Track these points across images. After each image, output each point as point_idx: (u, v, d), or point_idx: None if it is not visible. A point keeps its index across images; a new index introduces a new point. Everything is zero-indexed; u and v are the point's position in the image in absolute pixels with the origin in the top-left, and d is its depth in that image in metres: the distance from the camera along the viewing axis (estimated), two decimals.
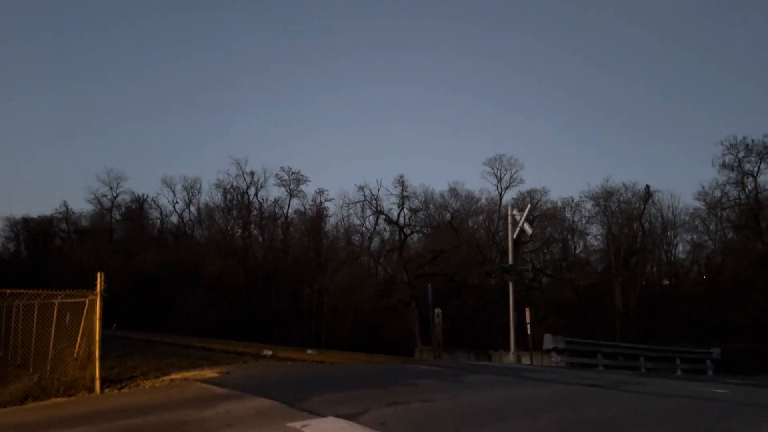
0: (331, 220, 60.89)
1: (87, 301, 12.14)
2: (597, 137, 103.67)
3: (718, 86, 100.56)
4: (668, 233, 54.23)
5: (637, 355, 26.74)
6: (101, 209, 65.75)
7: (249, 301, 51.75)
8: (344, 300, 46.86)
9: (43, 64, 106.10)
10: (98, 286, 11.88)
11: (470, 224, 57.59)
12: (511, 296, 27.99)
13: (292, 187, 59.26)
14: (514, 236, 30.04)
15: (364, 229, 58.92)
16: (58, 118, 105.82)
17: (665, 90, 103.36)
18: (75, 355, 12.30)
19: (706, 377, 24.31)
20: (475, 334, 41.92)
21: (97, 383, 11.53)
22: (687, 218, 53.24)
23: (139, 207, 66.26)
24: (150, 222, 67.94)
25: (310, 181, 64.05)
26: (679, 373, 26.30)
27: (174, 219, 66.73)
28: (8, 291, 12.05)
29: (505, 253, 32.68)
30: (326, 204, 60.04)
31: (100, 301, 11.82)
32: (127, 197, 65.97)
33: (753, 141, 47.70)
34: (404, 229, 54.08)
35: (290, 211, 60.66)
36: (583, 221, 56.31)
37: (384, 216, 55.70)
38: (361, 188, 54.66)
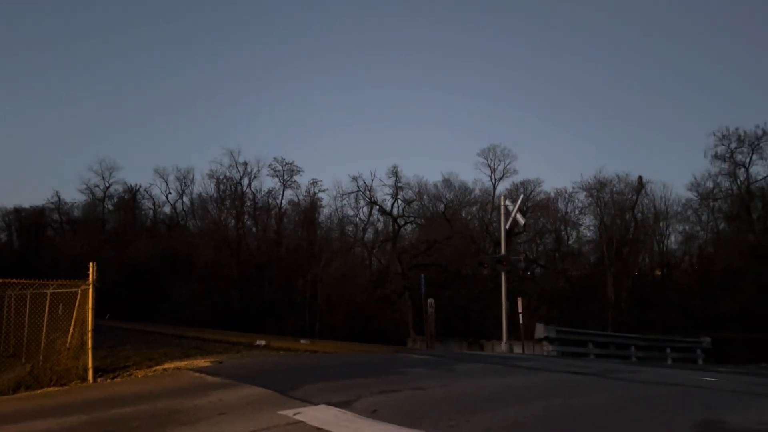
0: (325, 211, 60.95)
1: (79, 291, 12.15)
2: (590, 128, 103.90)
3: (711, 77, 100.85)
4: (660, 224, 54.51)
5: (628, 344, 26.93)
6: (93, 199, 65.51)
7: (242, 291, 51.74)
8: (338, 290, 46.94)
9: (36, 56, 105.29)
10: (90, 276, 11.89)
11: (464, 215, 57.71)
12: (504, 286, 28.11)
13: (285, 177, 59.19)
14: (507, 227, 30.14)
15: (357, 219, 59.02)
16: (51, 108, 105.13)
17: (658, 81, 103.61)
18: (67, 344, 12.32)
19: (696, 366, 24.52)
20: (468, 324, 42.09)
21: (90, 373, 11.56)
22: (679, 209, 53.56)
23: (131, 197, 66.02)
24: (143, 212, 67.78)
25: (303, 171, 64.12)
26: (669, 362, 26.50)
27: (167, 209, 66.62)
28: (0, 281, 12.04)
29: (499, 244, 32.77)
30: (320, 195, 60.04)
31: (93, 291, 11.83)
32: (120, 187, 65.81)
33: (745, 132, 47.99)
34: (398, 220, 54.16)
35: (284, 201, 60.64)
36: (576, 212, 56.57)
37: (378, 207, 55.78)
38: (354, 179, 54.69)
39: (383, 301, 47.60)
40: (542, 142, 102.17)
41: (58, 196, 65.95)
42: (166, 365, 12.74)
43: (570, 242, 57.83)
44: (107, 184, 64.89)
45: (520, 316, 25.97)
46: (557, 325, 26.22)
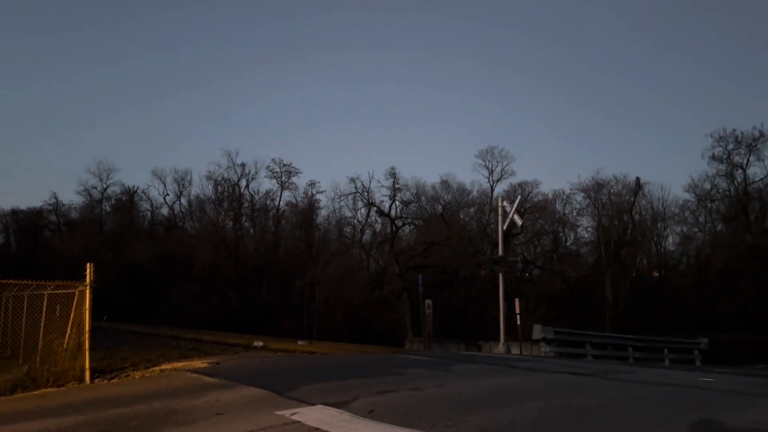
0: (323, 212, 60.89)
1: (77, 293, 12.14)
2: (588, 130, 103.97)
3: (708, 79, 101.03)
4: (658, 225, 54.53)
5: (626, 345, 26.99)
6: (91, 201, 65.37)
7: (240, 293, 51.69)
8: (336, 292, 46.91)
9: (33, 55, 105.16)
10: (88, 277, 11.88)
11: (462, 216, 57.73)
12: (501, 287, 28.14)
13: (283, 179, 59.12)
14: (505, 228, 30.18)
15: (355, 221, 58.98)
16: (48, 109, 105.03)
17: (655, 83, 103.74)
18: (65, 346, 12.30)
19: (694, 367, 24.57)
20: (466, 325, 42.10)
21: (87, 374, 11.55)
22: (677, 210, 53.59)
23: (129, 199, 65.94)
24: (140, 214, 67.66)
25: (301, 173, 64.04)
26: (667, 363, 26.56)
27: (164, 211, 66.51)
28: None
29: (496, 245, 32.80)
30: (318, 196, 59.98)
31: (90, 292, 11.82)
32: (118, 189, 65.63)
33: (742, 133, 48.02)
34: (396, 221, 54.15)
35: (282, 203, 60.57)
36: (574, 213, 56.56)
37: (375, 208, 55.74)
38: (352, 180, 54.62)
39: (381, 303, 47.59)
40: (540, 144, 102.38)
41: (56, 198, 65.88)
42: (164, 366, 12.74)
43: (568, 243, 57.88)
44: (105, 186, 64.84)
45: (518, 317, 26.01)
46: (555, 326, 26.27)
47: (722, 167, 49.44)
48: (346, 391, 8.88)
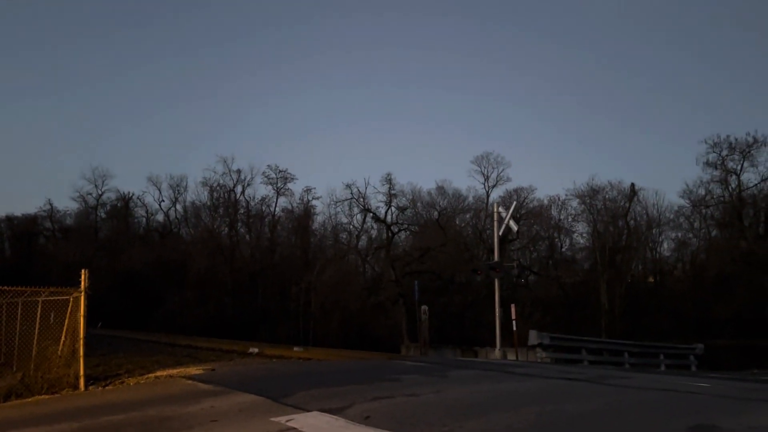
0: (319, 219, 60.91)
1: (71, 299, 12.08)
2: (583, 136, 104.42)
3: (703, 85, 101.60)
4: (653, 231, 54.69)
5: (622, 350, 27.01)
6: (86, 207, 65.23)
7: (235, 299, 51.58)
8: (332, 298, 46.87)
9: (29, 63, 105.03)
10: (83, 283, 11.83)
11: (457, 222, 57.81)
12: (497, 293, 28.15)
13: (279, 185, 59.15)
14: (501, 233, 30.22)
15: (351, 227, 59.00)
16: (43, 115, 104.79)
17: (650, 89, 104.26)
18: (59, 352, 12.23)
19: (689, 372, 24.57)
20: (462, 331, 42.09)
21: (81, 380, 11.49)
22: (672, 216, 53.77)
23: (124, 205, 65.80)
24: (136, 220, 67.55)
25: (297, 179, 63.92)
26: (662, 368, 26.56)
27: (160, 217, 66.42)
28: None
29: (492, 251, 32.84)
30: (313, 202, 60.04)
31: (85, 299, 11.78)
32: (113, 195, 65.57)
33: (736, 139, 48.28)
34: (392, 227, 54.16)
35: (277, 209, 60.58)
36: (569, 219, 56.70)
37: (371, 214, 55.79)
38: (348, 186, 54.70)
39: (377, 309, 47.55)
40: (535, 150, 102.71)
41: (51, 204, 65.70)
42: (159, 373, 12.69)
43: (563, 249, 58.00)
44: (100, 192, 64.74)
45: (514, 322, 26.00)
46: (551, 331, 26.27)
47: (716, 173, 49.73)
48: (342, 397, 8.86)
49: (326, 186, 63.17)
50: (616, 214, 53.29)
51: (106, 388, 11.51)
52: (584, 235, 55.97)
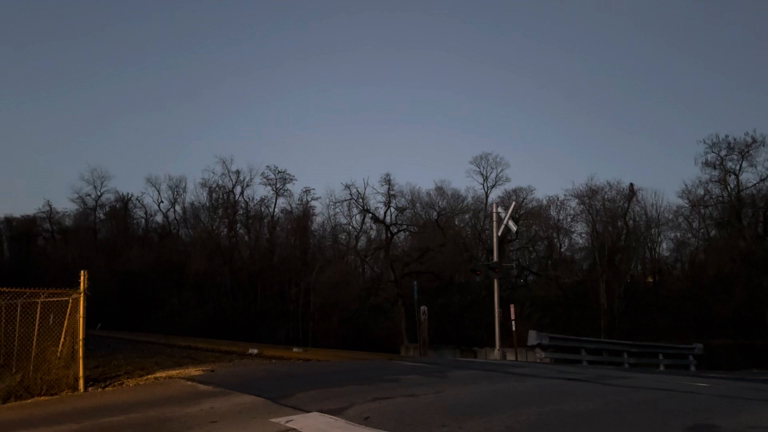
0: (318, 219, 60.92)
1: (70, 300, 12.08)
2: (582, 136, 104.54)
3: (701, 85, 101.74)
4: (652, 231, 54.65)
5: (621, 350, 27.01)
6: (85, 209, 65.20)
7: (235, 300, 51.57)
8: (331, 299, 46.85)
9: (27, 64, 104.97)
10: (82, 284, 11.83)
11: (456, 223, 57.76)
12: (496, 293, 28.16)
13: (278, 186, 59.20)
14: (500, 234, 30.23)
15: (350, 227, 59.00)
16: (42, 116, 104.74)
17: (649, 88, 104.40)
18: (58, 354, 12.23)
19: (689, 372, 24.59)
20: (461, 332, 42.11)
21: (81, 382, 11.49)
22: (670, 216, 53.70)
23: (123, 206, 65.78)
24: (135, 221, 67.53)
25: (296, 180, 64.03)
26: (662, 368, 26.58)
27: (159, 218, 66.44)
28: None
29: (491, 251, 32.84)
30: (313, 203, 60.07)
31: (84, 300, 11.77)
32: (112, 196, 65.59)
33: (735, 139, 48.21)
34: (391, 228, 54.13)
35: (276, 210, 60.61)
36: (568, 219, 56.63)
37: (370, 215, 55.77)
38: (347, 187, 54.67)
39: (376, 309, 47.54)
40: (534, 150, 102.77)
41: (50, 206, 65.79)
42: (158, 374, 12.68)
43: (562, 249, 57.95)
44: (99, 193, 64.74)
45: (513, 323, 26.00)
46: (550, 332, 26.28)
47: (715, 173, 49.64)
48: (342, 398, 8.86)
49: (325, 187, 63.61)
50: (615, 215, 53.27)
51: (106, 389, 11.51)
52: (583, 235, 56.00)
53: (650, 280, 55.19)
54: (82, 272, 11.96)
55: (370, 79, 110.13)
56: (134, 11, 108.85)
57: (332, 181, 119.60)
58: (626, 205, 53.43)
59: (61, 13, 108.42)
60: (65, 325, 12.21)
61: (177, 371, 12.97)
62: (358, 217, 57.68)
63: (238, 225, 59.96)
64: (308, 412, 7.84)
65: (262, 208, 60.29)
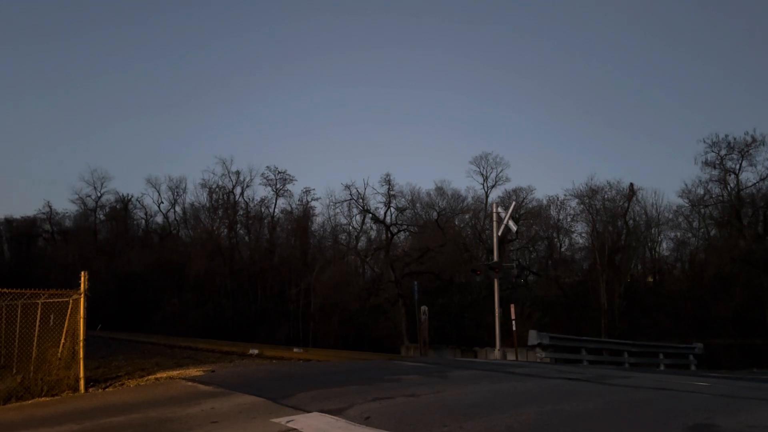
0: (318, 220, 60.90)
1: (71, 301, 12.08)
2: (581, 136, 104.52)
3: (701, 84, 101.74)
4: (652, 230, 54.63)
5: (621, 350, 27.02)
6: (85, 210, 65.19)
7: (235, 300, 51.58)
8: (331, 299, 46.85)
9: (27, 65, 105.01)
10: (82, 285, 11.83)
11: (457, 223, 57.76)
12: (497, 293, 28.15)
13: (278, 186, 59.16)
14: (500, 234, 30.23)
15: (350, 228, 58.97)
16: (42, 117, 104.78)
17: (649, 88, 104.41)
18: (59, 355, 12.23)
19: (689, 372, 24.60)
20: (462, 332, 42.10)
21: (82, 383, 11.49)
22: (670, 215, 53.68)
23: (123, 207, 65.77)
24: (135, 222, 67.52)
25: (296, 180, 63.95)
26: (662, 367, 26.58)
27: (159, 219, 66.43)
28: None
29: (491, 251, 32.85)
30: (313, 203, 60.03)
31: (84, 301, 11.78)
32: (112, 197, 65.57)
33: (735, 139, 48.20)
34: (391, 228, 54.14)
35: (276, 210, 60.58)
36: (568, 219, 56.60)
37: (371, 215, 55.78)
38: (347, 187, 54.66)
39: (376, 309, 47.54)
40: (534, 150, 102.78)
41: (50, 207, 65.77)
42: (159, 375, 12.69)
43: (562, 249, 57.92)
44: (99, 194, 64.71)
45: (513, 323, 26.02)
46: (550, 331, 26.28)
47: (715, 173, 49.62)
48: (342, 398, 8.87)
49: (325, 187, 63.87)
50: (615, 214, 53.25)
51: (106, 390, 11.51)
52: (583, 235, 55.97)
53: (650, 279, 55.17)
54: (82, 273, 11.97)
55: (371, 79, 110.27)
56: (135, 12, 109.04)
57: (332, 181, 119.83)
58: (626, 204, 53.42)
59: (62, 14, 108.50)
60: (66, 326, 12.21)
61: (177, 372, 12.97)
62: (358, 217, 57.75)
63: (239, 225, 59.97)
64: (309, 412, 7.85)
65: (262, 209, 60.35)
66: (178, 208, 65.16)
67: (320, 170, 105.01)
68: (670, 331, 41.32)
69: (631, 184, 53.47)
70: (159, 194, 64.45)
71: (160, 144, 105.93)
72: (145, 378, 12.43)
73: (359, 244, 58.28)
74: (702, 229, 53.28)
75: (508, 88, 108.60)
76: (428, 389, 9.96)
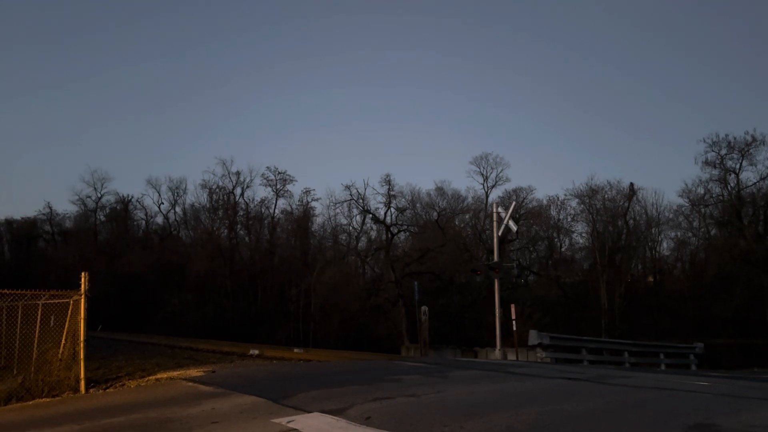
0: (318, 220, 60.87)
1: (71, 302, 12.08)
2: (582, 135, 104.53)
3: (701, 84, 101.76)
4: (652, 230, 54.63)
5: (621, 350, 27.03)
6: (85, 210, 65.14)
7: (235, 301, 51.57)
8: (331, 299, 46.86)
9: (27, 63, 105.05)
10: (83, 286, 11.84)
11: (457, 223, 57.75)
12: (497, 293, 28.16)
13: (278, 186, 59.11)
14: (500, 234, 30.24)
15: (351, 228, 58.95)
16: (42, 118, 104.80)
17: (649, 88, 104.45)
18: (60, 356, 12.23)
19: (689, 371, 24.60)
20: (462, 332, 42.10)
21: (82, 383, 11.50)
22: (671, 215, 53.69)
23: (123, 208, 65.74)
24: (135, 223, 67.47)
25: (296, 180, 63.90)
26: (662, 367, 26.60)
27: (159, 220, 66.37)
28: None
29: (492, 251, 32.85)
30: (313, 204, 60.00)
31: (85, 302, 11.78)
32: (112, 198, 65.48)
33: (735, 138, 48.19)
34: (391, 228, 54.13)
35: (277, 211, 60.54)
36: (569, 219, 56.59)
37: (371, 215, 55.76)
38: (347, 187, 54.63)
39: (377, 310, 47.55)
40: (534, 150, 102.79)
41: (50, 207, 65.73)
42: (159, 375, 12.69)
43: (563, 249, 57.92)
44: (99, 195, 64.65)
45: (514, 323, 26.03)
46: (551, 331, 26.29)
47: (715, 172, 49.62)
48: (343, 398, 8.87)
49: (325, 187, 63.81)
50: (615, 214, 53.26)
51: (107, 390, 11.52)
52: (583, 234, 55.97)
53: (651, 279, 55.16)
54: (82, 274, 11.97)
55: (371, 79, 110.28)
56: (135, 12, 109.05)
57: (332, 181, 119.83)
58: (626, 204, 53.44)
59: (63, 14, 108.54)
60: (66, 326, 12.22)
61: (178, 372, 12.97)
62: (358, 217, 57.73)
63: (239, 226, 59.95)
64: (309, 412, 7.85)
65: (263, 209, 60.32)
66: (178, 209, 65.22)
67: (320, 171, 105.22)
68: (671, 331, 41.33)
69: (632, 184, 53.54)
70: (159, 195, 64.51)
71: (161, 145, 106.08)
72: (146, 378, 12.43)
73: (359, 244, 58.32)
74: (702, 229, 53.30)
75: (509, 88, 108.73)
76: (429, 389, 9.96)
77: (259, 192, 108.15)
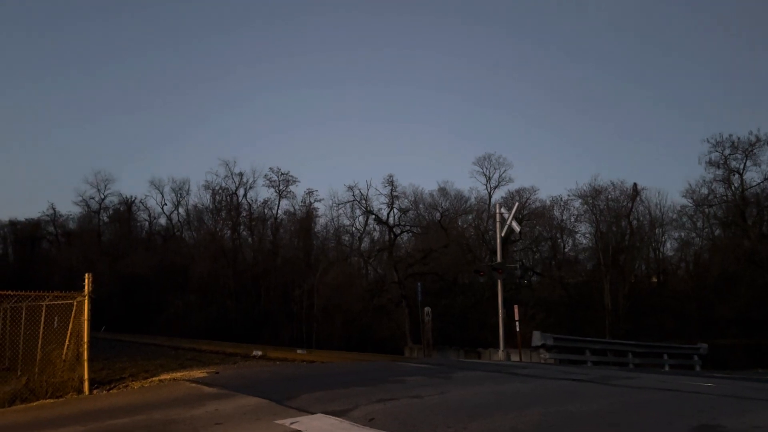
0: (321, 221, 60.91)
1: (75, 303, 12.11)
2: (585, 136, 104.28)
3: (705, 84, 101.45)
4: (656, 231, 54.49)
5: (625, 351, 26.96)
6: (89, 211, 65.37)
7: (238, 302, 51.61)
8: (334, 300, 46.86)
9: (29, 64, 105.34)
10: (86, 287, 11.86)
11: (460, 223, 57.70)
12: (500, 294, 28.11)
13: (281, 187, 59.16)
14: (503, 234, 30.18)
15: (353, 229, 58.96)
16: (45, 119, 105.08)
17: (652, 88, 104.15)
18: (63, 357, 12.26)
19: (694, 372, 24.53)
20: (465, 333, 42.04)
21: (86, 384, 11.52)
22: (675, 216, 53.55)
23: (127, 209, 65.90)
24: (138, 224, 67.65)
25: (299, 181, 63.96)
26: (666, 368, 26.51)
27: (162, 221, 66.54)
28: None
29: (495, 252, 32.80)
30: (316, 204, 60.05)
31: (88, 303, 11.80)
32: (115, 199, 65.71)
33: (739, 138, 48.06)
34: (394, 229, 54.13)
35: (280, 211, 60.59)
36: (572, 219, 56.51)
37: (374, 216, 55.76)
38: (350, 188, 54.70)
39: (380, 311, 47.53)
40: (537, 150, 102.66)
41: (54, 209, 65.95)
42: (163, 376, 12.71)
43: (566, 250, 57.82)
44: (102, 196, 64.86)
45: (517, 323, 25.98)
46: (554, 332, 26.24)
47: (719, 172, 49.48)
48: (346, 399, 8.87)
49: (328, 188, 63.76)
50: (618, 214, 53.16)
51: (111, 391, 11.54)
52: (587, 235, 55.87)
53: (654, 280, 55.03)
54: (86, 275, 12.00)
55: (373, 80, 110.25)
56: (136, 13, 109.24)
57: (335, 182, 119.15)
58: (630, 205, 53.33)
59: (63, 15, 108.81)
60: (70, 327, 12.24)
61: (181, 373, 12.99)
62: (361, 218, 57.74)
63: (242, 227, 60.04)
64: (313, 413, 7.85)
65: (266, 210, 60.37)
66: (181, 210, 65.36)
67: (323, 172, 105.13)
68: (675, 332, 41.22)
69: (635, 184, 53.42)
70: (162, 196, 64.66)
71: (164, 146, 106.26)
72: (149, 380, 12.45)
73: (362, 245, 58.32)
74: (706, 229, 53.18)
75: (512, 89, 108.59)
76: (432, 390, 9.95)
77: (262, 193, 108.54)
